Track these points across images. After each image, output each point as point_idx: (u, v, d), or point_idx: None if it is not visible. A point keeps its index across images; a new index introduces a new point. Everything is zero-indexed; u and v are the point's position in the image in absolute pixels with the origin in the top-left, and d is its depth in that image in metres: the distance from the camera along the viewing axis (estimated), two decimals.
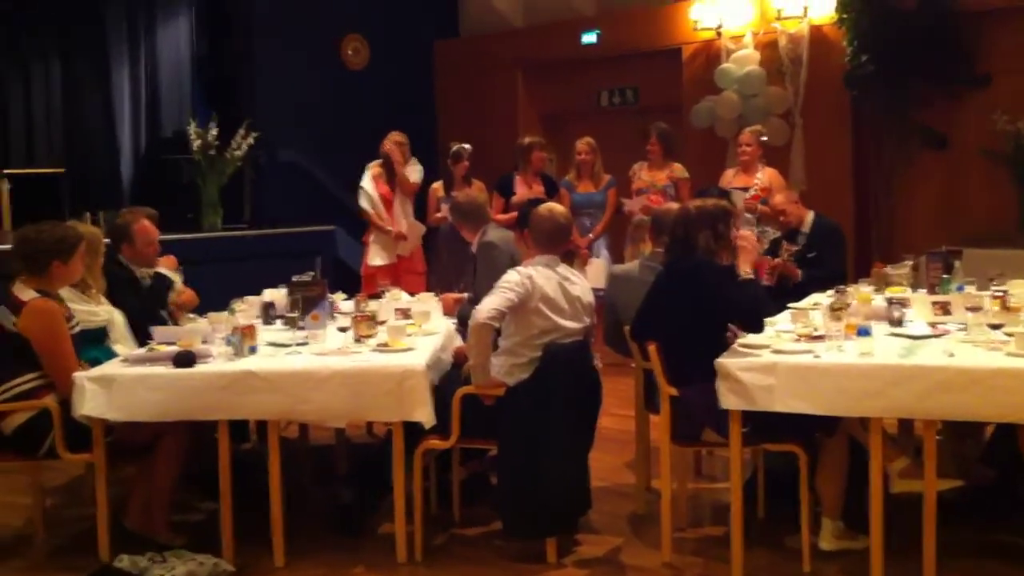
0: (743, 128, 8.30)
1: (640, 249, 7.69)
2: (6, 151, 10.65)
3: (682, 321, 4.44)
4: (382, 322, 5.26)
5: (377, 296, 6.37)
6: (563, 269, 4.73)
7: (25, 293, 4.59)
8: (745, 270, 4.49)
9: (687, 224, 4.58)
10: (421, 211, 8.68)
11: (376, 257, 8.37)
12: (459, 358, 5.06)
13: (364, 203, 8.37)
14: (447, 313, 5.89)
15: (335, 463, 5.93)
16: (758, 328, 4.44)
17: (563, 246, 4.84)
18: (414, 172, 8.44)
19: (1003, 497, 4.82)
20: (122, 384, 4.41)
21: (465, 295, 6.03)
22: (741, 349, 4.36)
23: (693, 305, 4.42)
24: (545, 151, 8.51)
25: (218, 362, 4.58)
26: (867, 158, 9.24)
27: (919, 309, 4.95)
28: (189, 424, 4.56)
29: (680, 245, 4.58)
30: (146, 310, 5.49)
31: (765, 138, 8.22)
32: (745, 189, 7.70)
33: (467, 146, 8.34)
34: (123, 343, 5.14)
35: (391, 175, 8.36)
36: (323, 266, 9.04)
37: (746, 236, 4.64)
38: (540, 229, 4.76)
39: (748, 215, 7.54)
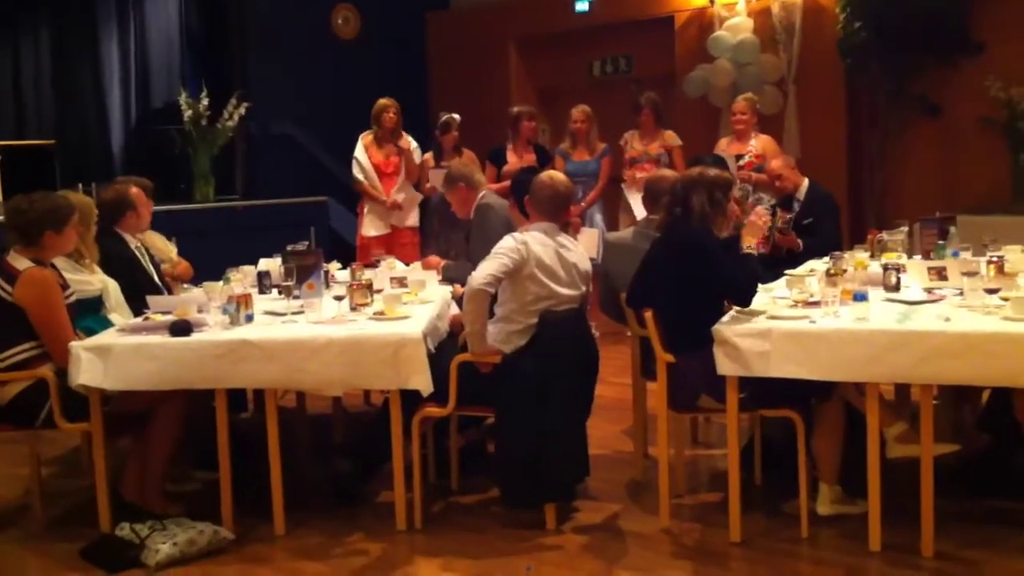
0: (736, 96, 8.28)
1: None
2: None
3: (678, 288, 4.44)
4: (378, 291, 5.25)
5: (372, 265, 6.37)
6: (561, 237, 4.72)
7: (20, 263, 4.57)
8: (748, 244, 4.50)
9: (686, 186, 4.57)
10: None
11: (370, 227, 8.35)
12: (456, 326, 5.06)
13: (357, 173, 8.34)
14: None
15: (333, 432, 5.94)
16: (746, 303, 4.42)
17: (562, 215, 4.82)
18: (416, 152, 8.38)
19: (999, 462, 4.84)
20: (118, 353, 4.40)
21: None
22: (738, 315, 4.36)
23: (690, 273, 4.41)
24: (535, 120, 8.48)
25: (214, 331, 4.57)
26: (861, 126, 9.24)
27: (915, 274, 4.96)
28: (185, 394, 4.55)
29: (679, 205, 4.57)
30: (146, 280, 5.47)
31: (758, 106, 8.21)
32: (740, 157, 7.69)
33: (456, 116, 8.31)
34: (119, 312, 5.13)
35: (383, 143, 8.32)
36: (316, 237, 9.07)
37: (759, 213, 4.67)
38: (539, 196, 4.75)
39: (742, 183, 7.54)
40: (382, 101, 8.31)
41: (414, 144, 8.39)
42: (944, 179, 8.83)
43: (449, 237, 7.54)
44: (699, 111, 9.75)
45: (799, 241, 6.42)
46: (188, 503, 4.76)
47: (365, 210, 8.41)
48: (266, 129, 10.71)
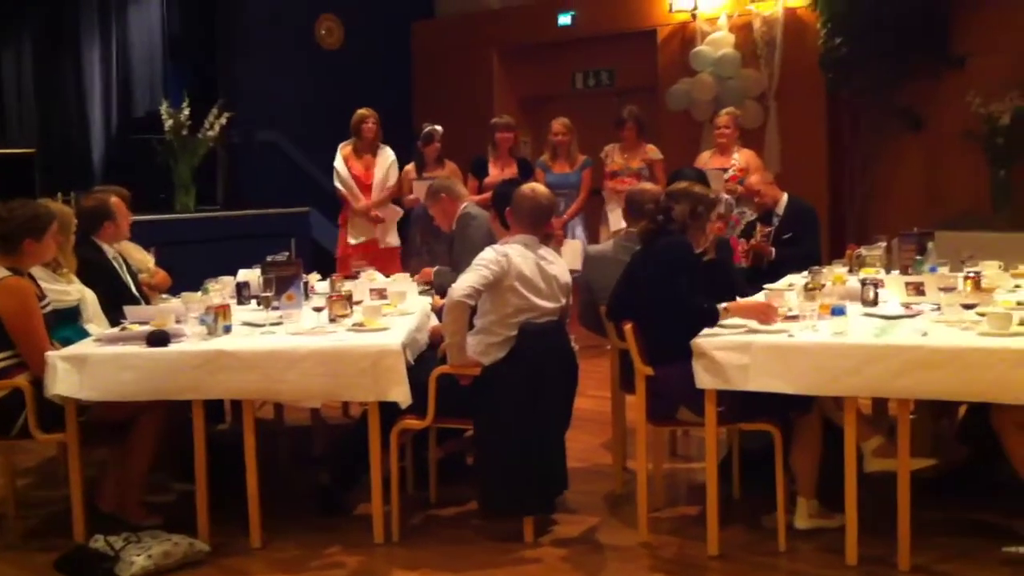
0: (718, 110, 8.30)
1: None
2: None
3: (658, 300, 4.43)
4: (358, 302, 5.24)
5: (352, 277, 6.36)
6: (542, 249, 4.72)
7: None
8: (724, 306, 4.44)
9: (671, 195, 4.60)
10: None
11: (352, 236, 8.33)
12: (435, 338, 5.05)
13: (337, 183, 8.32)
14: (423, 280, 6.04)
15: (311, 443, 5.91)
16: (690, 333, 4.31)
17: (543, 227, 4.83)
18: (392, 174, 8.34)
19: (976, 475, 4.86)
20: (95, 363, 4.38)
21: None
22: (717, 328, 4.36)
23: (670, 285, 4.41)
24: (512, 132, 8.44)
25: (192, 341, 4.54)
26: (842, 140, 9.29)
27: (893, 289, 4.97)
28: (164, 405, 4.52)
29: (660, 213, 4.57)
30: (124, 290, 5.45)
31: (740, 120, 8.24)
32: (724, 170, 7.71)
33: (438, 127, 8.29)
34: (96, 322, 5.10)
35: (361, 153, 8.30)
36: (297, 248, 9.05)
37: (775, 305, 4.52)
38: (521, 208, 4.74)
39: (727, 196, 7.56)
40: (361, 111, 8.28)
41: (392, 157, 8.35)
42: (924, 193, 8.88)
43: (433, 249, 7.54)
44: (681, 125, 9.79)
45: (771, 249, 6.45)
46: (166, 514, 4.72)
47: (347, 220, 8.39)
48: (248, 139, 10.70)
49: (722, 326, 4.35)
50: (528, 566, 4.31)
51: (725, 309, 4.36)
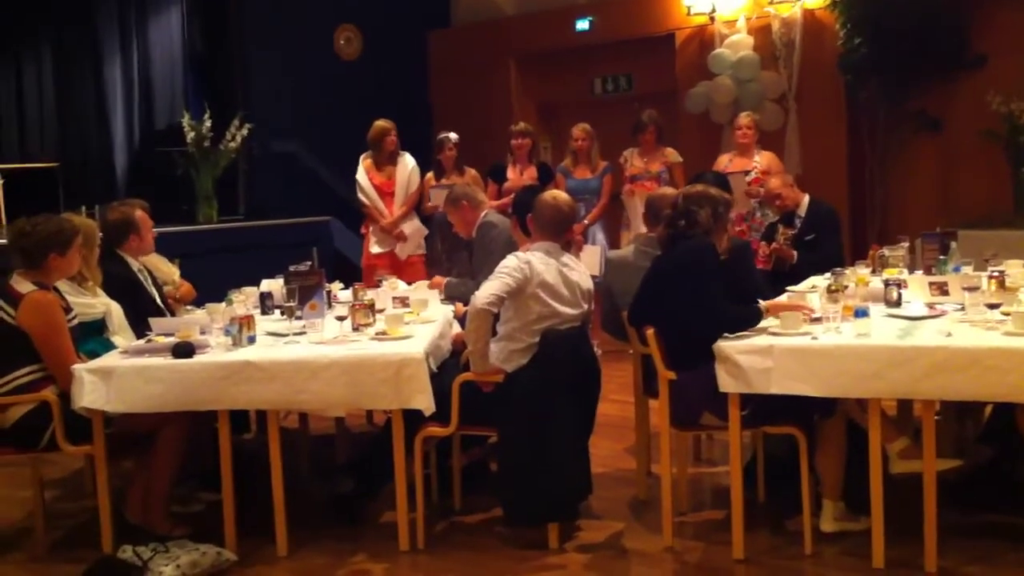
0: (738, 113, 8.30)
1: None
2: None
3: (680, 305, 4.43)
4: (380, 311, 5.26)
5: (375, 286, 6.38)
6: (564, 257, 4.72)
7: (23, 286, 4.58)
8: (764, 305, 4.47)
9: (690, 199, 4.58)
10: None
11: (375, 245, 8.35)
12: (458, 345, 5.07)
13: (360, 196, 8.35)
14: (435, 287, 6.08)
15: (336, 452, 5.94)
16: (717, 335, 4.32)
17: (565, 234, 4.83)
18: (414, 180, 8.35)
19: (1002, 476, 4.83)
20: (121, 376, 4.41)
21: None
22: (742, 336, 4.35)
23: (692, 289, 4.40)
24: (528, 138, 8.45)
25: (217, 352, 4.58)
26: (862, 142, 9.25)
27: (916, 290, 4.96)
28: (189, 416, 4.55)
29: (681, 217, 4.57)
30: (149, 302, 5.49)
31: (759, 123, 8.23)
32: (746, 173, 7.70)
33: (451, 135, 8.34)
34: (121, 335, 5.14)
35: (382, 166, 8.33)
36: (320, 257, 9.09)
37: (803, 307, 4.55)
38: (543, 216, 4.75)
39: (752, 200, 7.57)
40: (382, 124, 8.28)
41: (412, 163, 8.37)
42: (945, 193, 8.84)
43: (452, 257, 7.56)
44: (700, 128, 9.78)
45: (793, 253, 6.44)
46: (193, 524, 4.75)
47: (370, 230, 8.41)
48: (269, 149, 10.75)
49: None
50: (553, 572, 4.32)
51: (766, 309, 4.37)
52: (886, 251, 6.00)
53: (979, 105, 8.30)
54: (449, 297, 5.92)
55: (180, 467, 4.75)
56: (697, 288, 4.36)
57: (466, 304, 4.84)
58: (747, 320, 4.38)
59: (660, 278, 4.62)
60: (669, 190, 6.05)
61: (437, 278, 6.31)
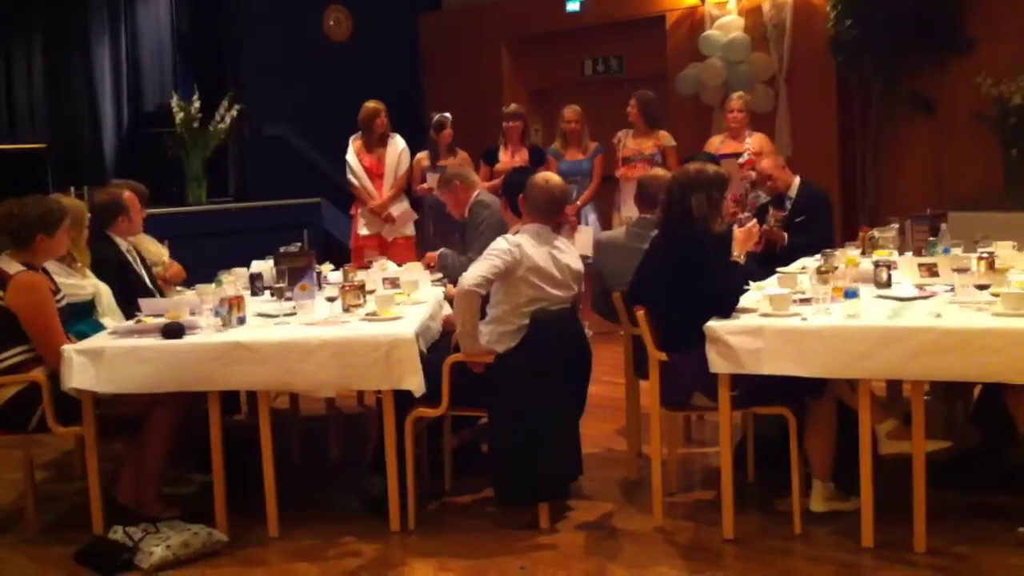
0: (728, 95, 8.28)
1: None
2: None
3: (673, 286, 4.43)
4: (371, 292, 5.25)
5: (365, 267, 6.37)
6: (554, 239, 4.71)
7: (11, 267, 4.57)
8: (736, 254, 4.50)
9: (683, 185, 4.55)
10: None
11: (363, 227, 8.32)
12: (448, 326, 5.06)
13: (351, 177, 8.32)
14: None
15: (327, 433, 5.92)
16: (726, 315, 4.34)
17: (556, 217, 4.81)
18: (404, 161, 8.32)
19: (991, 457, 4.85)
20: (111, 356, 4.40)
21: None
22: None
23: (686, 271, 4.40)
24: (520, 119, 8.44)
25: (206, 333, 4.57)
26: (852, 124, 9.26)
27: (906, 271, 4.96)
28: (178, 398, 4.55)
29: (676, 207, 4.55)
30: (138, 283, 5.47)
31: (750, 104, 8.21)
32: (737, 155, 7.69)
33: (448, 115, 8.28)
34: (110, 316, 5.12)
35: (372, 147, 8.29)
36: (309, 239, 9.07)
37: (753, 226, 4.64)
38: (534, 198, 4.73)
39: (745, 182, 7.56)
40: (372, 105, 8.23)
41: (402, 144, 8.34)
42: (936, 175, 8.85)
43: (446, 238, 7.55)
44: (691, 110, 9.77)
45: (783, 235, 6.44)
46: (184, 505, 4.75)
47: (359, 211, 8.39)
48: (258, 131, 10.72)
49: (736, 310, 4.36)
50: (544, 552, 4.32)
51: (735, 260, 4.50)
52: (876, 233, 6.01)
53: (970, 88, 8.32)
54: (442, 268, 5.91)
55: (171, 449, 4.75)
56: (698, 273, 4.36)
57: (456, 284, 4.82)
58: (737, 285, 4.42)
59: (656, 258, 4.61)
60: (661, 171, 6.04)
61: (430, 254, 6.28)
